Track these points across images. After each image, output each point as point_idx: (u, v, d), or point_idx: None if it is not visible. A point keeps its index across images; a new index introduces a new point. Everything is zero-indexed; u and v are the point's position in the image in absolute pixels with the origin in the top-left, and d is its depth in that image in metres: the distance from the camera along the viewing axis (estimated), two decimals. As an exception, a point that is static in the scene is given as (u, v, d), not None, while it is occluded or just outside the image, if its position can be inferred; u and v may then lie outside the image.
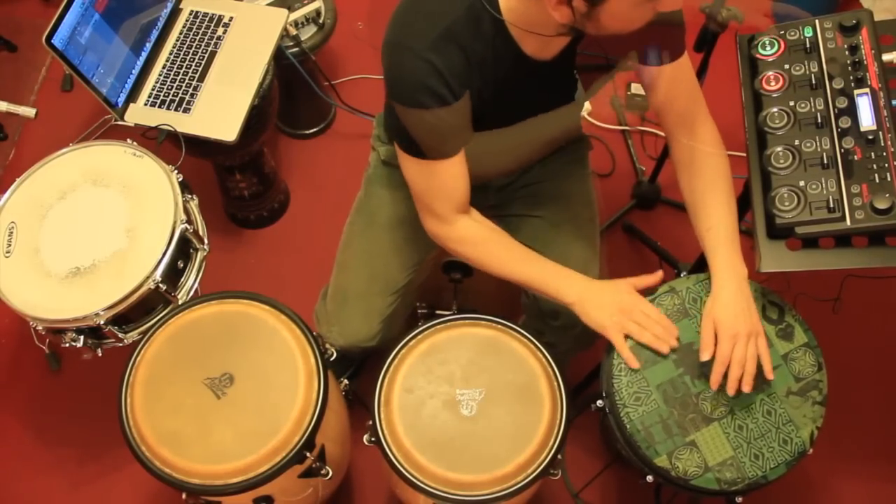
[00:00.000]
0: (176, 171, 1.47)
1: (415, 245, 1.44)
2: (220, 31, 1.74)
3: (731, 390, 1.19)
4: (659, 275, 1.29)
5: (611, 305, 1.25)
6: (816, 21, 1.27)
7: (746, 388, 1.19)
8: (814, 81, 1.23)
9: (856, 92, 1.20)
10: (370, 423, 1.24)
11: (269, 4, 1.85)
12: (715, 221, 1.25)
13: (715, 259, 1.24)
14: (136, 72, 1.66)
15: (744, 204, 1.46)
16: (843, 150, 1.17)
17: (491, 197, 1.50)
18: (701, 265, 1.55)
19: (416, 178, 1.23)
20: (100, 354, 1.45)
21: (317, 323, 1.54)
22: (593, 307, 1.25)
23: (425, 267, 1.52)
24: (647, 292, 1.30)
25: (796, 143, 1.20)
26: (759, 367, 1.20)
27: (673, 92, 1.27)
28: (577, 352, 1.53)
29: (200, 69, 1.69)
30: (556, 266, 1.28)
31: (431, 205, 1.25)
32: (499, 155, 1.37)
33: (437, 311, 1.35)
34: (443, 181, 1.22)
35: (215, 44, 1.72)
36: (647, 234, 2.04)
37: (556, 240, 1.42)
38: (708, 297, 1.24)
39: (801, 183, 1.17)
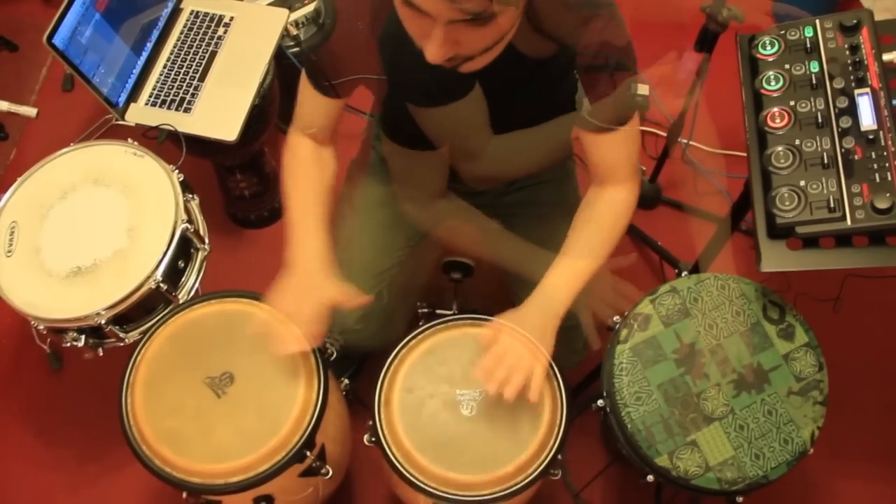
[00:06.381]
0: (177, 171, 1.47)
1: (396, 229, 1.44)
2: (220, 30, 1.74)
3: (491, 389, 1.16)
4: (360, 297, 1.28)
5: (304, 295, 1.23)
6: (817, 21, 1.27)
7: (507, 398, 1.16)
8: (814, 81, 1.23)
9: (856, 92, 1.20)
10: (370, 423, 1.24)
11: (269, 4, 1.85)
12: (575, 253, 1.23)
13: (546, 280, 1.23)
14: (136, 71, 1.66)
15: (744, 204, 1.46)
16: (843, 150, 1.16)
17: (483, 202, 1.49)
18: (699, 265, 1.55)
19: (300, 87, 1.30)
20: (100, 354, 1.45)
21: None
22: (298, 282, 1.24)
23: (421, 262, 1.51)
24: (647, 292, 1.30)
25: (797, 142, 1.20)
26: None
27: (593, 156, 1.24)
28: (573, 361, 1.51)
29: (201, 69, 1.69)
30: (318, 226, 1.28)
31: (297, 111, 1.33)
32: (502, 160, 1.36)
33: (437, 311, 1.35)
34: (311, 105, 1.29)
35: (216, 44, 1.72)
36: (647, 234, 2.04)
37: (553, 239, 1.42)
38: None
39: (802, 183, 1.17)
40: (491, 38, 0.99)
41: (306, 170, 1.32)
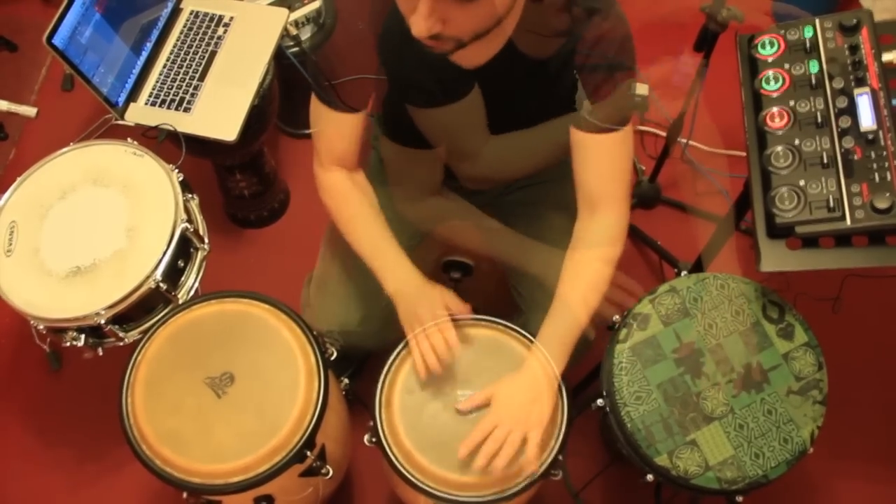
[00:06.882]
0: (176, 171, 1.47)
1: (397, 231, 1.44)
2: (220, 30, 1.74)
3: (477, 465, 1.16)
4: (467, 307, 1.30)
5: (420, 312, 1.25)
6: (816, 21, 1.27)
7: (495, 471, 1.16)
8: (814, 81, 1.23)
9: (856, 91, 1.20)
10: (371, 423, 1.24)
11: (269, 4, 1.85)
12: (564, 310, 1.23)
13: (539, 342, 1.24)
14: (136, 71, 1.66)
15: (744, 203, 1.46)
16: (843, 150, 1.17)
17: (485, 200, 1.49)
18: (701, 264, 1.56)
19: (312, 116, 1.29)
20: (100, 354, 1.45)
21: (302, 310, 1.54)
22: (409, 305, 1.27)
23: (420, 262, 1.51)
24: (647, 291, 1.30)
25: (796, 142, 1.20)
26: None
27: (588, 163, 1.22)
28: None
29: (201, 69, 1.69)
30: (396, 252, 1.30)
31: (317, 145, 1.31)
32: (500, 161, 1.36)
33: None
34: (330, 129, 1.27)
35: (216, 43, 1.72)
36: (647, 234, 2.04)
37: (552, 238, 1.42)
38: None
39: (801, 182, 1.17)
40: (481, 21, 0.98)
41: (357, 205, 1.32)
